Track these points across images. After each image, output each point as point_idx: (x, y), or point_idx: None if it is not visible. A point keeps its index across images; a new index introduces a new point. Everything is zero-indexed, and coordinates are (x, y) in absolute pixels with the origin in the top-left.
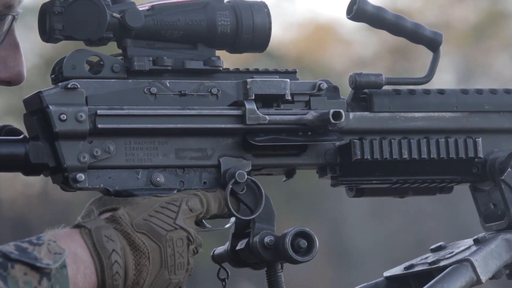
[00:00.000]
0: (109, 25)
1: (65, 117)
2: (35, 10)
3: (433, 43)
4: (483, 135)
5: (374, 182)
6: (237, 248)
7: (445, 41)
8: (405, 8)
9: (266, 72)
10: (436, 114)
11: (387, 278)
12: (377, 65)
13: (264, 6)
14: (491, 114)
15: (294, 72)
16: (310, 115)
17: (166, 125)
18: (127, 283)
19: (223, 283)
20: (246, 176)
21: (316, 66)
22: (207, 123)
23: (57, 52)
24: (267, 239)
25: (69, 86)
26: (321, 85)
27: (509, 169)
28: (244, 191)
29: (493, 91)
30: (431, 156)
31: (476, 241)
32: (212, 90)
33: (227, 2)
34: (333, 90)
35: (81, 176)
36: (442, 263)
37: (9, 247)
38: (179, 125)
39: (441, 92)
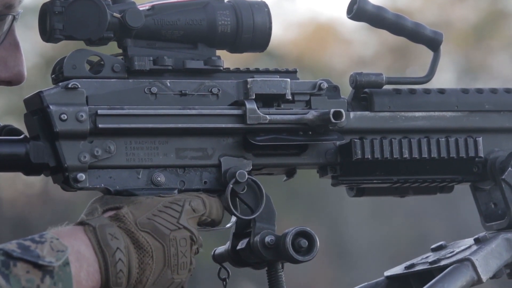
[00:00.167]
0: (109, 25)
1: (66, 117)
2: (35, 10)
3: (433, 43)
4: (484, 134)
5: (374, 181)
6: (238, 247)
7: (445, 40)
8: (405, 8)
9: (267, 71)
10: (436, 113)
11: (388, 277)
12: (378, 65)
13: (265, 5)
14: (492, 114)
15: (295, 72)
16: (311, 114)
17: (166, 125)
18: (130, 281)
19: (224, 282)
20: (246, 176)
21: (317, 65)
22: (208, 123)
23: (58, 52)
24: (267, 239)
25: (69, 86)
26: (321, 85)
27: (509, 168)
28: (244, 190)
29: (493, 91)
30: (432, 156)
31: (477, 241)
32: (212, 90)
33: (228, 1)
34: (334, 90)
35: (81, 176)
36: (442, 263)
37: (12, 245)
38: (180, 125)
39: (441, 91)
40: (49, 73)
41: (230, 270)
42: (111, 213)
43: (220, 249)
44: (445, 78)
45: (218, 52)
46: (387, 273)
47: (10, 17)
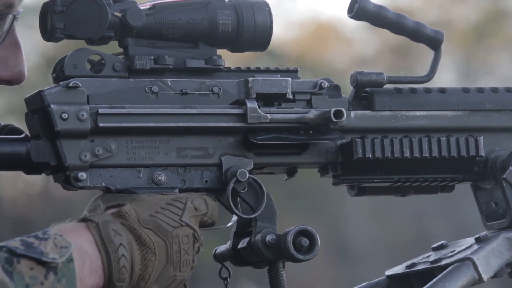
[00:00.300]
0: (110, 24)
1: (67, 116)
2: (36, 9)
3: (434, 42)
4: (485, 133)
5: (375, 180)
6: (239, 246)
7: (446, 39)
8: (406, 7)
9: (268, 71)
10: (437, 112)
11: (389, 277)
12: (378, 64)
13: (265, 5)
14: (493, 113)
15: (296, 71)
16: (312, 113)
17: (167, 124)
18: (133, 277)
19: (225, 282)
20: (247, 175)
21: (318, 65)
22: (209, 122)
23: (58, 51)
24: (268, 238)
25: (70, 85)
26: (322, 84)
27: (510, 167)
28: (245, 189)
29: (494, 90)
30: (433, 155)
31: (478, 240)
32: (213, 89)
33: (228, 1)
34: (335, 89)
35: (82, 175)
36: (443, 262)
37: (15, 243)
38: (181, 124)
39: (442, 90)
40: (50, 72)
41: (231, 269)
42: (113, 210)
43: (221, 248)
44: (446, 77)
45: (219, 51)
46: (388, 272)
47: (10, 16)
